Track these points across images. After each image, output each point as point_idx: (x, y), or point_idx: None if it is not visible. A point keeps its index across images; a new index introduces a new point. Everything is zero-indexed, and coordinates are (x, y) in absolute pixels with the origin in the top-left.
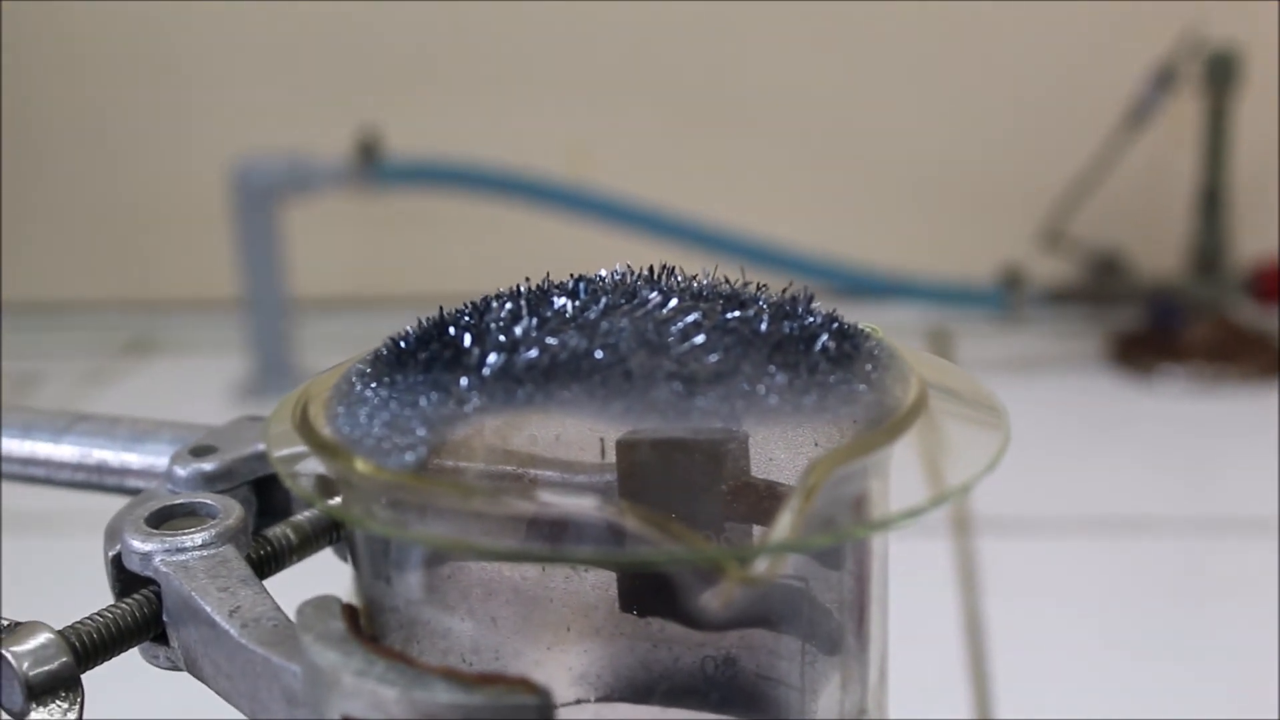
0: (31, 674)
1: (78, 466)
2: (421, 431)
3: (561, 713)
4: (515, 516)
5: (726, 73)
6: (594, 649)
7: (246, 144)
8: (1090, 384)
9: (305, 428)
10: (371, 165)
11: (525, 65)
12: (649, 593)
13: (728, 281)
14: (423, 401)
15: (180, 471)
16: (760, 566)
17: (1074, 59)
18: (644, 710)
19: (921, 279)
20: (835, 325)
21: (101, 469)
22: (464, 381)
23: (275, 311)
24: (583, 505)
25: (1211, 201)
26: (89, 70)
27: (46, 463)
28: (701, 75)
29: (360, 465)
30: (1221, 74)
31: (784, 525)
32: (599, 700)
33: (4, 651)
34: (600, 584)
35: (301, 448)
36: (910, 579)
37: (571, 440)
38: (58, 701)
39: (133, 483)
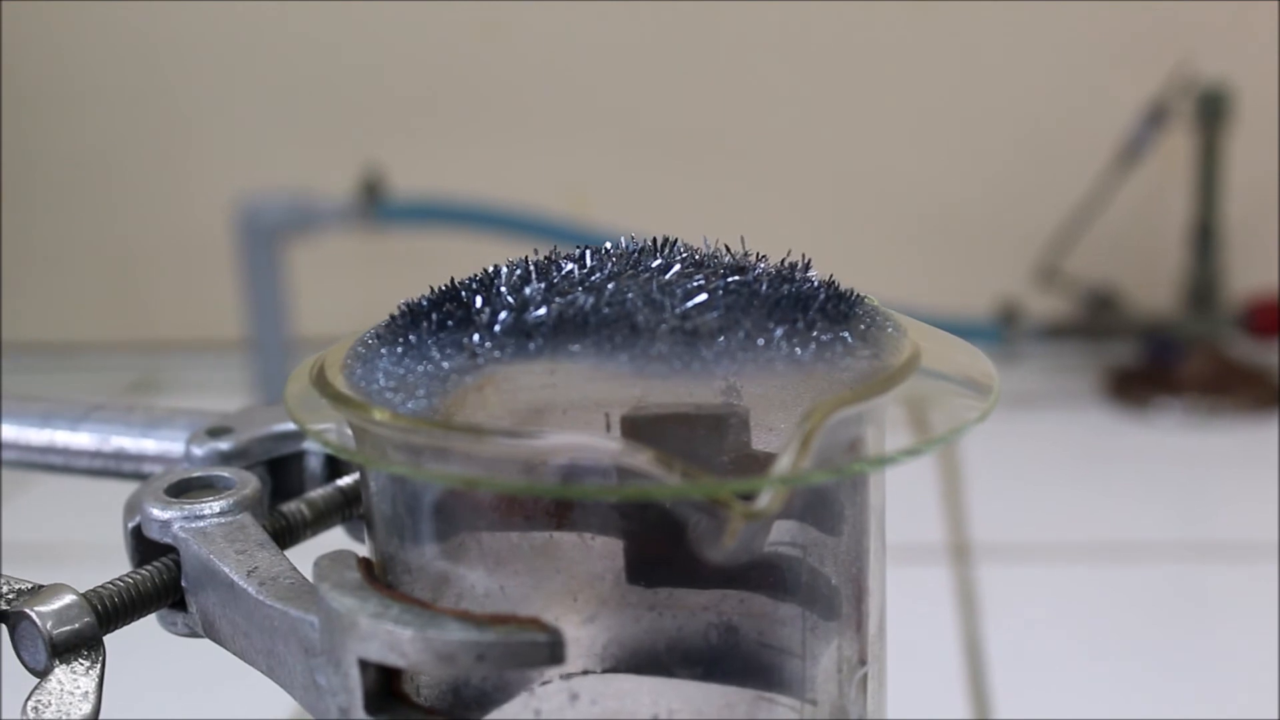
0: (55, 632)
1: (95, 454)
2: (436, 382)
3: (569, 682)
4: (523, 456)
5: (725, 113)
6: (600, 619)
7: (250, 184)
8: (1087, 418)
9: (322, 382)
10: (375, 204)
11: (528, 104)
12: (656, 559)
13: (729, 251)
14: (436, 355)
15: (197, 451)
16: (763, 501)
17: (1067, 98)
18: (648, 680)
19: (919, 315)
20: (832, 289)
21: (119, 455)
22: (476, 336)
23: (280, 351)
24: (591, 443)
25: (1205, 237)
26: (91, 111)
27: (65, 450)
28: (701, 116)
29: (376, 412)
30: (1213, 111)
31: (785, 462)
32: (605, 670)
33: (29, 611)
34: (607, 553)
35: (319, 401)
36: (910, 605)
37: (579, 415)
38: (80, 660)
39: (149, 468)
